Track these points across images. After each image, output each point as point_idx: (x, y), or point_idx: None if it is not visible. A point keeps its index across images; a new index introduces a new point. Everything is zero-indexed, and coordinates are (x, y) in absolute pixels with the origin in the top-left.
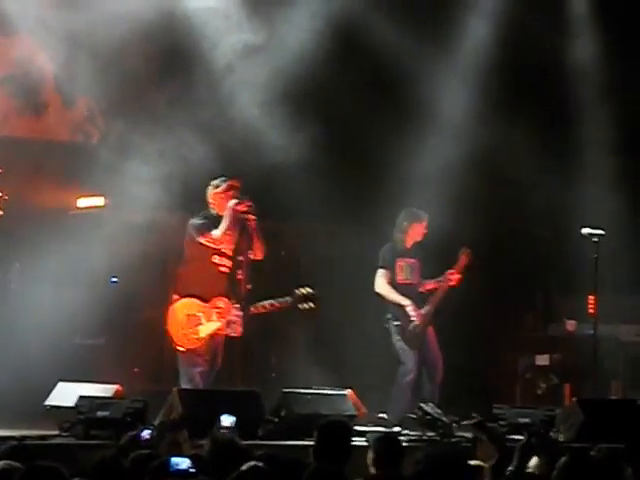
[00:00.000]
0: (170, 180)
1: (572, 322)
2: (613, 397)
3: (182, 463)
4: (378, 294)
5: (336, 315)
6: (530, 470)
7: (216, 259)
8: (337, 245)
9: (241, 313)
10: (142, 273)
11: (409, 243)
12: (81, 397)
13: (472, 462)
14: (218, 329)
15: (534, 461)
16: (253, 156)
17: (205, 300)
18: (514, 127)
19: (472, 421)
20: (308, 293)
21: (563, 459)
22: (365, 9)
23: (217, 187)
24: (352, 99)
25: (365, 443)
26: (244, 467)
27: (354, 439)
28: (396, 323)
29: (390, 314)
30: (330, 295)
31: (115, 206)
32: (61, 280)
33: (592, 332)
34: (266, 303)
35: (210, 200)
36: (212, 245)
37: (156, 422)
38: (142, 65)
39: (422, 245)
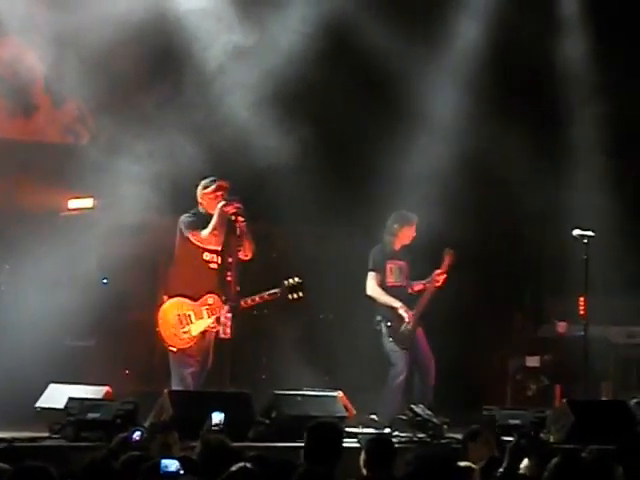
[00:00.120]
0: (160, 181)
1: (563, 323)
2: (603, 398)
3: (171, 465)
4: (370, 297)
5: (326, 316)
6: (521, 471)
7: (207, 256)
8: (327, 246)
9: (230, 315)
10: (132, 274)
11: (398, 245)
12: (71, 399)
13: (462, 463)
14: (209, 326)
15: (525, 462)
16: (243, 157)
17: (195, 299)
18: (505, 128)
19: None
20: (296, 283)
21: (554, 460)
22: (356, 10)
23: (206, 187)
24: (343, 100)
25: (356, 444)
26: (233, 468)
27: (344, 440)
28: (388, 324)
29: (380, 316)
30: (320, 296)
31: (105, 207)
32: (51, 282)
33: (582, 333)
34: (256, 296)
35: (199, 200)
36: (199, 244)
37: (147, 424)
38: (132, 66)
39: (410, 247)
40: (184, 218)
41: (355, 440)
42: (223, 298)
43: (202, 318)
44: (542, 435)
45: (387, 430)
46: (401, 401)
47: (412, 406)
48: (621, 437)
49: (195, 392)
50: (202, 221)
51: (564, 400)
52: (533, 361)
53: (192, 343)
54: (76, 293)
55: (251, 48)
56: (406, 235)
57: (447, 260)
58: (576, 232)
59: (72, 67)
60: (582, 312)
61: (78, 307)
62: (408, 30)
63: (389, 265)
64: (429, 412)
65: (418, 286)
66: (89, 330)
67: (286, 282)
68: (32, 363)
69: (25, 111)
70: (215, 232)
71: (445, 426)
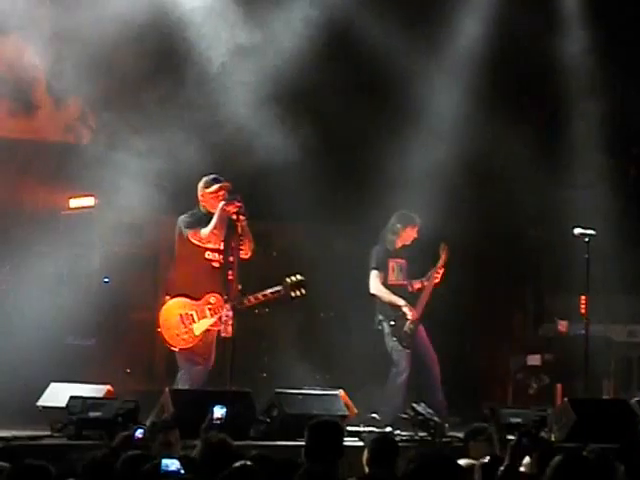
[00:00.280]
0: (162, 180)
1: (564, 322)
2: (605, 397)
3: (172, 465)
4: (374, 295)
5: (327, 315)
6: (522, 469)
7: (208, 255)
8: (328, 245)
9: (232, 313)
10: (134, 273)
11: (399, 245)
12: (72, 397)
13: (463, 461)
14: (211, 325)
15: (526, 460)
16: (245, 156)
17: (197, 298)
18: (506, 127)
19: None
20: (298, 280)
21: (556, 459)
22: (356, 10)
23: (208, 187)
24: (344, 100)
25: (358, 443)
26: (234, 465)
27: (346, 439)
28: (391, 323)
29: (382, 315)
30: (321, 295)
31: (106, 206)
32: (53, 281)
33: (584, 332)
34: (259, 294)
35: (200, 198)
36: (198, 243)
37: (148, 422)
38: (134, 64)
39: (410, 246)
40: (182, 218)
41: (357, 438)
42: (225, 297)
43: (205, 317)
44: (543, 434)
45: (388, 429)
46: (403, 399)
47: (414, 405)
48: (622, 435)
49: (196, 391)
50: (201, 220)
51: (565, 399)
52: (534, 360)
53: (194, 343)
54: (77, 292)
55: (253, 47)
56: (408, 236)
57: (443, 255)
58: (577, 231)
59: (74, 65)
60: (583, 311)
61: (79, 306)
62: (409, 30)
63: (391, 263)
64: (430, 411)
65: (417, 284)
66: (90, 329)
67: (288, 279)
68: (33, 362)
69: (26, 110)
70: (215, 231)
71: (446, 425)
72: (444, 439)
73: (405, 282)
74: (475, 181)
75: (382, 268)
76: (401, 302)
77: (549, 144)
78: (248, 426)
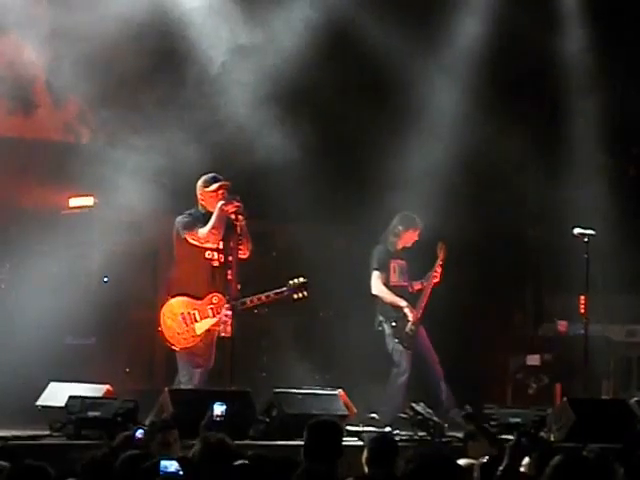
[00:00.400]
0: (162, 179)
1: (563, 322)
2: (604, 397)
3: (171, 466)
4: (375, 296)
5: (327, 315)
6: (522, 469)
7: (208, 255)
8: (327, 245)
9: (231, 313)
10: (133, 272)
11: (399, 246)
12: (71, 397)
13: (462, 461)
14: (213, 325)
15: (525, 461)
16: (244, 156)
17: (199, 298)
18: (505, 127)
19: (463, 412)
20: (301, 283)
21: (556, 459)
22: (356, 10)
23: (207, 186)
24: (344, 99)
25: (358, 442)
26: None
27: (345, 439)
28: (393, 324)
29: (382, 316)
30: (321, 295)
31: (105, 205)
32: (52, 280)
33: (583, 332)
34: (262, 295)
35: (199, 197)
36: (196, 243)
37: (147, 422)
38: (134, 63)
39: (410, 248)
40: (179, 219)
41: (356, 438)
42: (227, 297)
43: (207, 317)
44: (543, 434)
45: (388, 429)
46: (403, 400)
47: (413, 404)
48: (622, 436)
49: (195, 390)
50: (199, 220)
51: (565, 399)
52: (534, 360)
53: (195, 342)
54: (77, 291)
55: (253, 47)
56: (409, 238)
57: (441, 254)
58: (576, 231)
59: (73, 64)
60: (582, 311)
61: (79, 305)
62: (408, 29)
63: (392, 264)
64: (430, 410)
65: (418, 285)
66: (90, 328)
67: (291, 282)
68: (33, 361)
69: (25, 109)
70: (214, 230)
71: (446, 425)
72: (443, 439)
73: (406, 283)
74: (474, 181)
75: (383, 269)
76: (403, 303)
77: (548, 144)
78: (247, 426)
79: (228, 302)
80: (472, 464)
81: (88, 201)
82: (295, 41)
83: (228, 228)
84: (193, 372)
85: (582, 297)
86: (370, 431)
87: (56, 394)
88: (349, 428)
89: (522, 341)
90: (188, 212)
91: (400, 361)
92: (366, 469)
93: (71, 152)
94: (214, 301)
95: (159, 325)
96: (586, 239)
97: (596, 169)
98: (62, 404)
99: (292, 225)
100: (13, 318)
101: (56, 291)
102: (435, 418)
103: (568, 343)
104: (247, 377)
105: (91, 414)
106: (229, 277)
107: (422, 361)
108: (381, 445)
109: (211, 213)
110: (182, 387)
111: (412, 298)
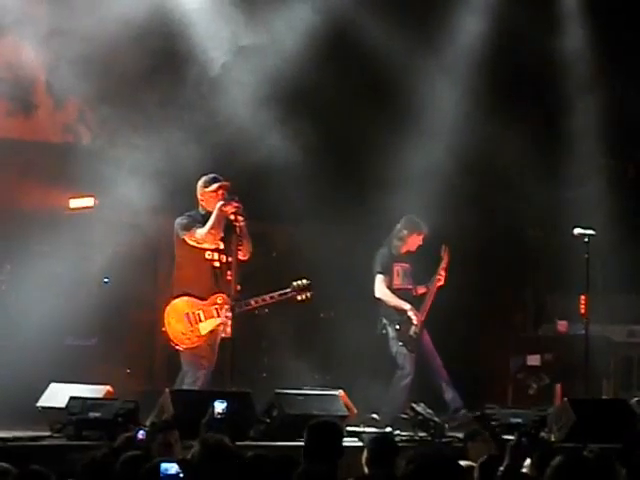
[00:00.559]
0: (162, 180)
1: (564, 322)
2: (604, 397)
3: (171, 468)
4: (379, 299)
5: (327, 315)
6: (523, 470)
7: (208, 255)
8: (328, 246)
9: (230, 314)
10: (134, 273)
11: (403, 250)
12: (72, 398)
13: (463, 462)
14: (217, 325)
15: (528, 462)
16: (244, 156)
17: (203, 298)
18: (505, 126)
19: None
20: (305, 284)
21: (557, 459)
22: (356, 10)
23: (207, 186)
24: (344, 100)
25: (358, 443)
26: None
27: (346, 439)
28: (397, 327)
29: (386, 319)
30: (321, 295)
31: (106, 206)
32: (52, 281)
33: (583, 332)
34: (267, 296)
35: (199, 197)
36: (195, 244)
37: (148, 423)
38: (134, 64)
39: (413, 252)
40: (178, 221)
41: (357, 439)
42: (230, 297)
43: (212, 317)
44: (543, 434)
45: (388, 429)
46: (405, 402)
47: (413, 405)
48: (622, 435)
49: (196, 391)
50: (198, 221)
51: (565, 399)
52: (534, 360)
53: (199, 342)
54: (77, 292)
55: (254, 47)
56: (413, 242)
57: (445, 257)
58: (577, 231)
59: (73, 65)
60: (583, 311)
61: (79, 306)
62: (409, 29)
63: (396, 268)
64: (430, 411)
65: (422, 289)
66: (90, 329)
67: (295, 283)
68: (33, 362)
69: (25, 110)
70: (212, 231)
71: (446, 425)
72: (443, 439)
73: (410, 286)
74: (475, 181)
75: (387, 272)
76: (406, 306)
77: (548, 144)
78: (248, 426)
79: (229, 303)
80: (472, 465)
81: (88, 202)
82: (296, 42)
83: (228, 229)
84: (198, 374)
85: (582, 297)
86: (370, 432)
87: (57, 395)
88: (349, 428)
89: (522, 341)
90: (188, 213)
91: (404, 364)
92: (366, 470)
93: (71, 153)
94: (218, 301)
95: (163, 325)
96: (586, 239)
97: (596, 169)
98: (63, 405)
99: (292, 226)
100: (14, 319)
101: (57, 292)
102: (436, 418)
103: (568, 343)
104: (247, 378)
105: (92, 415)
106: (229, 278)
107: (426, 364)
108: (381, 446)
109: (211, 214)
110: (185, 388)
111: (415, 301)
